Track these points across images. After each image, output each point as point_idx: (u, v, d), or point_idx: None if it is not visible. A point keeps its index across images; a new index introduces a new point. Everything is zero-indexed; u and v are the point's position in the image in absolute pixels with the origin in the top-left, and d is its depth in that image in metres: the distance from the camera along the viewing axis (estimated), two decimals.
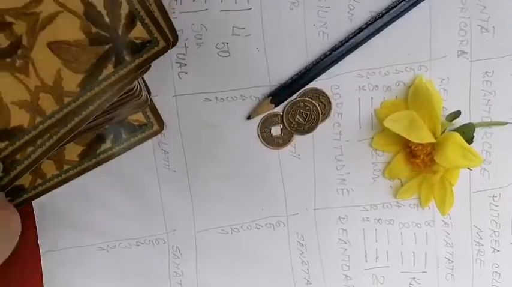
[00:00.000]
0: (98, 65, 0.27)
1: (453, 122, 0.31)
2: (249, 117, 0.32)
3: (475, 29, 0.31)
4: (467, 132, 0.30)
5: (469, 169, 0.31)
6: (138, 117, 0.31)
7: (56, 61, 0.27)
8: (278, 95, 0.31)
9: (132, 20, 0.27)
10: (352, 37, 0.31)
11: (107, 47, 0.27)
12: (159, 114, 0.32)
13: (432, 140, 0.29)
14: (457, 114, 0.31)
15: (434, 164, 0.30)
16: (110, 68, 0.27)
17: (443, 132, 0.30)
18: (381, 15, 0.30)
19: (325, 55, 0.31)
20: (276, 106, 0.31)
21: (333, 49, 0.31)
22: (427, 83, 0.30)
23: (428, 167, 0.31)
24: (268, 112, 0.32)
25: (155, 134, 0.32)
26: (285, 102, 0.32)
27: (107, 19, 0.27)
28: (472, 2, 0.31)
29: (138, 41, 0.27)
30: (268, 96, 0.31)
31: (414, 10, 0.31)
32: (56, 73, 0.27)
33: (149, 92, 0.31)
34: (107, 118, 0.30)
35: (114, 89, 0.27)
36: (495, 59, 0.32)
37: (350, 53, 0.31)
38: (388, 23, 0.30)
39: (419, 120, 0.30)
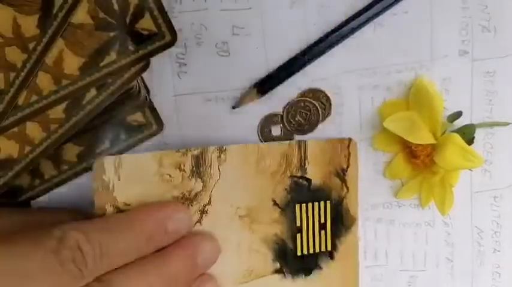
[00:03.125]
0: (101, 51, 0.27)
1: (454, 122, 0.31)
2: (234, 107, 0.31)
3: (476, 29, 0.31)
4: (468, 134, 0.30)
5: (470, 169, 0.31)
6: (137, 117, 0.31)
7: (59, 41, 0.27)
8: (264, 84, 0.31)
9: (140, 10, 0.27)
10: (339, 28, 0.30)
11: (112, 34, 0.27)
12: (158, 114, 0.31)
13: (432, 141, 0.29)
14: (458, 115, 0.31)
15: (434, 165, 0.30)
16: (112, 55, 0.27)
17: (443, 133, 0.30)
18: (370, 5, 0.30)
19: (313, 45, 0.30)
20: (262, 95, 0.31)
21: (320, 41, 0.30)
22: (428, 84, 0.30)
23: (428, 167, 0.31)
24: (254, 102, 0.31)
25: (154, 134, 0.32)
26: (285, 103, 0.32)
27: (115, 6, 0.27)
28: (473, 1, 0.31)
29: (144, 32, 0.27)
30: (254, 86, 0.31)
31: (415, 9, 0.31)
32: (57, 54, 0.27)
33: (148, 92, 0.31)
34: (105, 118, 0.30)
35: (113, 78, 0.27)
36: (497, 58, 0.32)
37: (338, 43, 0.30)
38: (381, 12, 0.30)
39: (419, 121, 0.30)
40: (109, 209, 0.27)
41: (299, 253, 0.31)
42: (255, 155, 0.30)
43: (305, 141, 0.31)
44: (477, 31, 0.31)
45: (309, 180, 0.31)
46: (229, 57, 0.31)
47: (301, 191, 0.31)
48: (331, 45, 0.30)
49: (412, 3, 0.31)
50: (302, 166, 0.31)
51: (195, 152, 0.29)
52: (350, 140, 0.31)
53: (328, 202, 0.31)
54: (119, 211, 0.27)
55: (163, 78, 0.31)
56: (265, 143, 0.31)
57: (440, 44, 0.31)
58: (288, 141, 0.31)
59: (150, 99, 0.31)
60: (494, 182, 0.33)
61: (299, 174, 0.31)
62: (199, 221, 0.29)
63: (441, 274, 0.34)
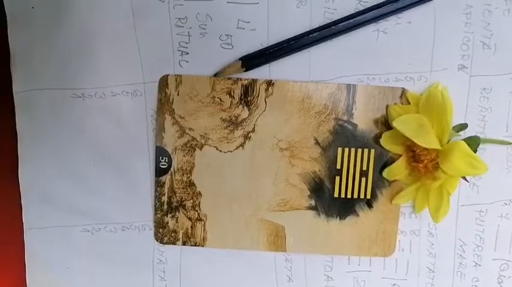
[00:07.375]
0: None
1: (459, 133, 0.31)
2: (215, 75, 0.31)
3: (477, 45, 0.32)
4: (472, 145, 0.30)
5: (465, 180, 0.31)
6: None
7: None
8: (250, 59, 0.31)
9: None
10: (333, 24, 0.30)
11: None
12: None
13: (438, 146, 0.29)
14: (463, 126, 0.31)
15: (436, 171, 0.30)
16: None
17: (448, 141, 0.30)
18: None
19: (305, 34, 0.31)
20: (246, 70, 0.31)
21: (314, 31, 0.31)
22: (443, 90, 0.30)
23: (429, 173, 0.30)
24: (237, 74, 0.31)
25: None
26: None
27: None
28: (476, 17, 0.31)
29: None
30: (240, 59, 0.31)
31: (419, 20, 0.31)
32: None
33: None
34: None
35: None
36: (494, 76, 0.32)
37: (329, 38, 0.31)
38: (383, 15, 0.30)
39: (428, 126, 0.30)
40: (167, 117, 0.31)
41: (336, 195, 0.32)
42: (301, 93, 0.31)
43: (355, 86, 0.31)
44: (478, 47, 0.32)
45: (354, 125, 0.31)
46: (232, 50, 0.31)
47: (345, 135, 0.32)
48: (324, 38, 0.30)
49: (417, 14, 0.31)
50: (349, 110, 0.31)
51: (245, 82, 0.31)
52: (403, 89, 0.31)
53: (372, 150, 0.32)
54: (174, 121, 0.31)
55: (164, 66, 0.31)
56: (314, 82, 0.31)
57: (440, 56, 0.32)
58: (337, 83, 0.31)
59: None
60: (481, 197, 0.33)
61: (345, 118, 0.31)
62: (241, 145, 0.31)
63: (422, 283, 0.34)
